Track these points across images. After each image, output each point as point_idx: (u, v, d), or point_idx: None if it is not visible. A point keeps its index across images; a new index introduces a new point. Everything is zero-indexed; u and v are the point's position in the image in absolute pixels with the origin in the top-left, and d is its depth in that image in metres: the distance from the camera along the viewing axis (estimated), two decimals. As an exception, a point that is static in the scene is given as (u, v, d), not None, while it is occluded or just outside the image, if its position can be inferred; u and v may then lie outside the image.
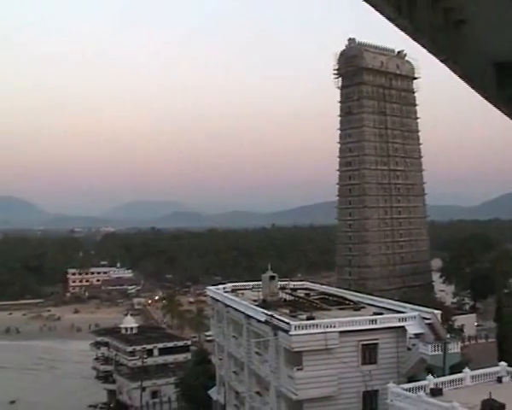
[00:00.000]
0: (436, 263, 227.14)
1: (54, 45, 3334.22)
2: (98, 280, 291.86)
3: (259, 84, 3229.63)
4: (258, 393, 62.42)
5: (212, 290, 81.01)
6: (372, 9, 7.06)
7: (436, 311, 59.16)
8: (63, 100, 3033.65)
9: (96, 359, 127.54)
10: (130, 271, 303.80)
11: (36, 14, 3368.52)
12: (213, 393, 79.37)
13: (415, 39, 7.92)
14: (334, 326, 53.59)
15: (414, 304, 64.77)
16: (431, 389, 45.03)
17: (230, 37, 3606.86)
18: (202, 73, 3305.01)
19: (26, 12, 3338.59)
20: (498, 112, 13.28)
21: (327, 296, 71.74)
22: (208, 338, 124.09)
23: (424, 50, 9.24)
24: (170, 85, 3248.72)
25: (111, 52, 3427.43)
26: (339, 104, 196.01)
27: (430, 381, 46.16)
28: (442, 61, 9.99)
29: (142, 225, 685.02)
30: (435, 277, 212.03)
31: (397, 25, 7.20)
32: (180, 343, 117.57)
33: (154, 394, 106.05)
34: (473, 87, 12.00)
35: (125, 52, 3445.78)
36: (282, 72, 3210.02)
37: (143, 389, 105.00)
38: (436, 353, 51.89)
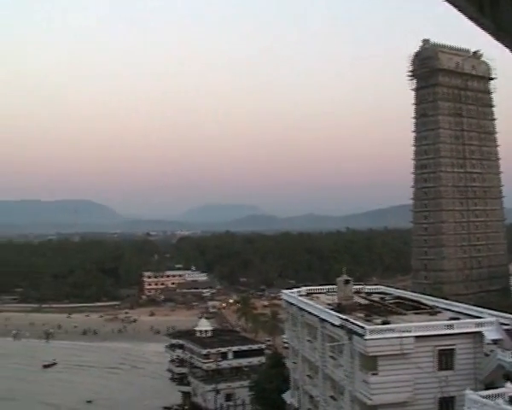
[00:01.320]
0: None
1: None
2: (173, 283, 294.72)
3: (331, 86, 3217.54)
4: (332, 397, 62.08)
5: (286, 294, 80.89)
6: (451, 9, 6.89)
7: (515, 316, 57.85)
8: (139, 106, 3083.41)
9: (171, 361, 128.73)
10: (204, 274, 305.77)
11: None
12: (287, 396, 79.25)
13: (497, 39, 7.67)
14: (410, 331, 52.91)
15: (491, 309, 63.40)
16: (510, 397, 43.98)
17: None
18: (284, 73, 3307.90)
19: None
20: None
21: (402, 301, 70.88)
22: (286, 345, 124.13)
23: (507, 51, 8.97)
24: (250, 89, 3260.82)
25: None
26: (413, 106, 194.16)
27: (509, 389, 45.08)
28: (525, 61, 9.68)
29: (216, 229, 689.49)
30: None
31: (479, 24, 7.00)
32: (254, 347, 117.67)
33: (229, 396, 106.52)
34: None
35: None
36: (352, 70, 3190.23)
37: (218, 391, 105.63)
38: (515, 359, 50.68)
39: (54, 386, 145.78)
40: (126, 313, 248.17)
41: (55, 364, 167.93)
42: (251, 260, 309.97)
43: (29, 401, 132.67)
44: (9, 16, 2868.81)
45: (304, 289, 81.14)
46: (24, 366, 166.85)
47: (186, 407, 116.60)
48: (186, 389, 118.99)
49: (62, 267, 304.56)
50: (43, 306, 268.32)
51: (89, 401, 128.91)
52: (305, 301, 72.77)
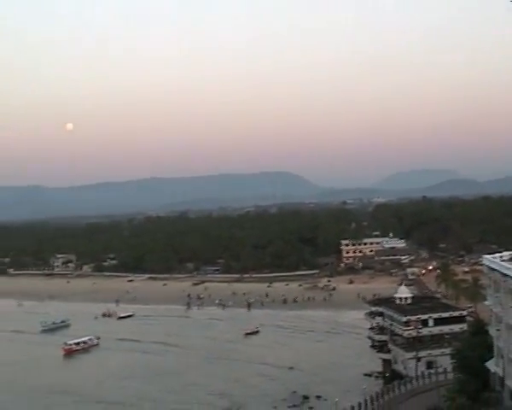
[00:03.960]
0: None
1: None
2: (371, 251, 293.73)
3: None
4: (539, 366, 59.31)
5: (488, 259, 77.94)
6: None
7: None
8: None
9: (371, 328, 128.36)
10: (402, 241, 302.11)
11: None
12: (491, 365, 76.63)
13: None
14: None
15: None
16: None
17: None
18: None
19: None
20: None
21: None
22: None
23: None
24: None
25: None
26: None
27: None
28: None
29: (413, 195, 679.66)
30: None
31: None
32: (455, 314, 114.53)
33: (430, 364, 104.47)
34: None
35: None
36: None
37: (418, 359, 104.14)
38: None
39: (262, 350, 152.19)
40: (328, 281, 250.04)
41: (257, 332, 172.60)
42: (450, 225, 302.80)
43: (247, 362, 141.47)
44: None
45: (506, 253, 77.85)
46: (232, 332, 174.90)
47: (386, 375, 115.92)
48: (386, 356, 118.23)
49: (261, 238, 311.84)
50: (244, 276, 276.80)
51: (290, 368, 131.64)
52: (509, 266, 69.82)
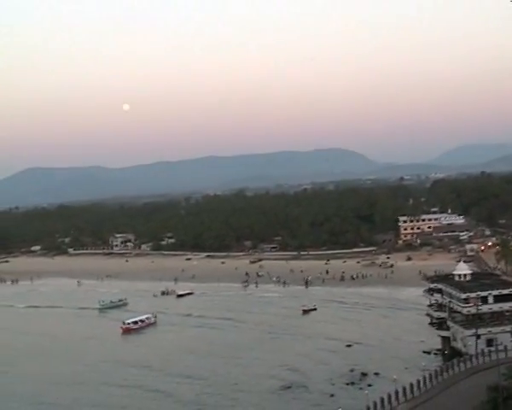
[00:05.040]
0: None
1: None
2: (429, 227, 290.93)
3: None
4: None
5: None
6: None
7: None
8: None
9: (430, 305, 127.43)
10: (461, 217, 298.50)
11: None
12: (553, 342, 75.82)
13: None
14: None
15: None
16: None
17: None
18: None
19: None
20: None
21: None
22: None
23: None
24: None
25: None
26: None
27: None
28: None
29: (471, 170, 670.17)
30: None
31: None
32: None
33: (489, 342, 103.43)
34: None
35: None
36: None
37: (478, 336, 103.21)
38: None
39: (321, 327, 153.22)
40: (388, 258, 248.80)
41: (315, 309, 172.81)
42: (510, 201, 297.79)
43: (307, 337, 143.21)
44: None
45: None
46: (291, 309, 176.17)
47: (446, 352, 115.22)
48: (445, 333, 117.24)
49: (319, 215, 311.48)
50: (301, 253, 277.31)
51: (349, 345, 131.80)
52: None
